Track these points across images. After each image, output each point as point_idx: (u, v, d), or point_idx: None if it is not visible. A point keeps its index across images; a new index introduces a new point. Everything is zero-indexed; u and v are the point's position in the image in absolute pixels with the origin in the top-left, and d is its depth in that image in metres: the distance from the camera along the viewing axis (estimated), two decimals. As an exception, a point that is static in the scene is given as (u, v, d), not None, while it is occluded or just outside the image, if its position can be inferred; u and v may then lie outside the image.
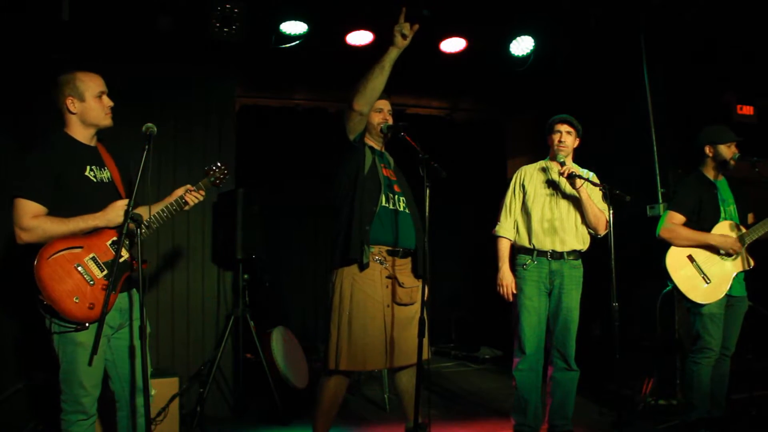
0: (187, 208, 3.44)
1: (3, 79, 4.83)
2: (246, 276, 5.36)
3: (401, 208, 3.79)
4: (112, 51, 5.17)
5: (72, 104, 3.18)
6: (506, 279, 4.35)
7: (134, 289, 3.31)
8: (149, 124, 3.09)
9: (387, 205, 3.72)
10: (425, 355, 3.46)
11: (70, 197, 3.09)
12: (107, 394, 3.30)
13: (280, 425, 5.03)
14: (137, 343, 3.10)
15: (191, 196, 3.42)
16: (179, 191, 3.43)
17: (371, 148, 3.85)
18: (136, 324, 3.22)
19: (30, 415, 4.42)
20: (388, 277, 3.68)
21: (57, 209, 3.06)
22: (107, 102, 3.24)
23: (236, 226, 5.27)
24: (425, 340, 3.37)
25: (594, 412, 5.15)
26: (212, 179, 3.60)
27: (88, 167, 3.18)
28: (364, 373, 6.45)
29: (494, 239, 4.47)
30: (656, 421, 4.88)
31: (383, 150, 3.98)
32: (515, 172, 4.59)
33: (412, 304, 3.73)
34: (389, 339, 3.63)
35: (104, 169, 3.26)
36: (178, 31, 5.19)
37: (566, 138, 4.38)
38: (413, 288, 3.75)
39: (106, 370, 3.24)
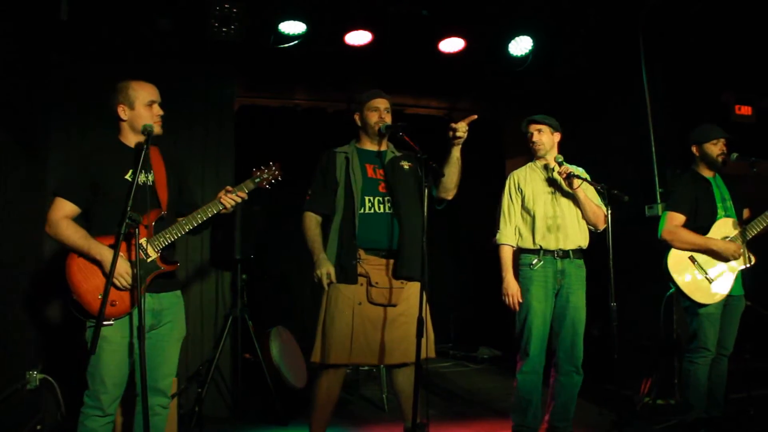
0: (225, 211, 3.42)
1: (1, 78, 4.83)
2: (244, 276, 5.36)
3: (383, 210, 3.80)
4: (111, 51, 5.17)
5: (123, 112, 3.30)
6: (511, 288, 4.30)
7: (174, 291, 3.39)
8: (147, 124, 3.21)
9: (363, 210, 3.77)
10: (430, 354, 3.52)
11: (107, 198, 3.20)
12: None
13: (278, 425, 5.04)
14: (135, 342, 3.11)
15: (227, 198, 3.39)
16: (220, 194, 3.42)
17: (348, 158, 3.89)
18: (170, 326, 3.33)
19: (29, 415, 4.41)
20: (360, 275, 3.73)
21: (97, 210, 3.23)
22: (157, 111, 3.34)
23: (235, 227, 5.28)
24: (424, 341, 3.38)
25: (593, 412, 5.16)
26: (257, 180, 3.49)
27: (130, 170, 3.26)
28: (362, 373, 6.46)
29: (496, 248, 4.44)
30: (655, 421, 4.88)
31: (380, 148, 3.98)
32: (508, 176, 4.57)
33: (392, 305, 3.75)
34: (365, 337, 3.68)
35: (149, 173, 3.33)
36: (177, 31, 5.19)
37: (538, 137, 4.42)
38: (391, 289, 3.75)
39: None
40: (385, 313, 3.73)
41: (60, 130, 5.08)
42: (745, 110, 6.36)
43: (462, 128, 3.67)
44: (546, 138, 4.41)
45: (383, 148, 3.99)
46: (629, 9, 5.60)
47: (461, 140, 3.71)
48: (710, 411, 4.40)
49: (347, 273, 3.71)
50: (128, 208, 2.99)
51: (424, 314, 3.38)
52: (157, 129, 3.32)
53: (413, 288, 3.78)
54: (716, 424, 4.40)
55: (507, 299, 4.31)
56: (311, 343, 3.79)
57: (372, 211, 3.78)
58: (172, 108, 5.36)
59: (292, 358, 5.63)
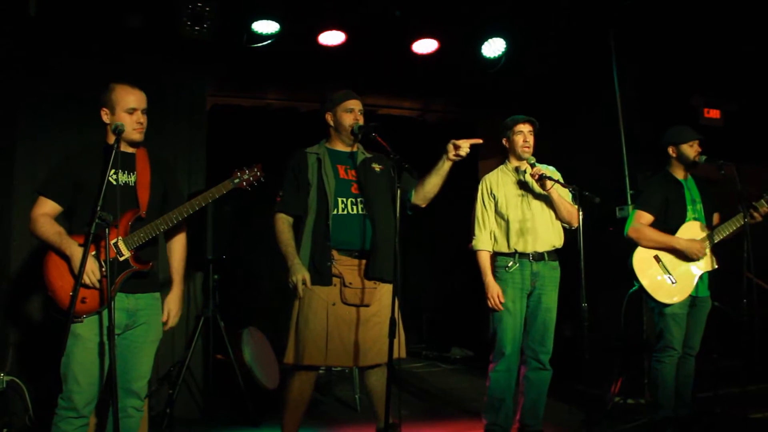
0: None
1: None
2: (216, 276, 5.33)
3: (356, 212, 3.80)
4: (80, 48, 5.10)
5: (105, 115, 3.30)
6: (493, 290, 4.31)
7: (156, 293, 3.41)
8: (118, 123, 3.19)
9: (336, 212, 3.76)
10: (401, 354, 3.52)
11: (87, 197, 3.20)
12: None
13: (250, 426, 5.01)
14: (106, 341, 3.08)
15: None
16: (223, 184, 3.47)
17: (320, 159, 3.87)
18: (145, 328, 3.31)
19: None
20: (334, 275, 3.72)
21: (77, 208, 3.27)
22: (138, 118, 3.30)
23: (207, 226, 5.24)
24: (397, 341, 3.39)
25: (563, 411, 5.20)
26: (236, 181, 3.46)
27: (112, 171, 3.23)
28: (335, 374, 6.45)
29: (473, 254, 4.46)
30: (624, 420, 4.94)
31: (354, 149, 3.97)
32: (481, 181, 4.58)
33: (365, 305, 3.75)
34: (341, 338, 3.67)
35: (132, 174, 3.34)
36: (148, 29, 5.14)
37: (530, 138, 4.42)
38: (365, 290, 3.75)
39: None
40: (358, 313, 3.73)
41: (28, 129, 4.99)
42: (714, 113, 6.47)
43: (466, 148, 3.67)
44: (533, 141, 4.43)
45: (354, 149, 3.98)
46: (601, 11, 5.66)
47: (461, 158, 3.72)
48: (678, 410, 4.46)
49: (322, 275, 3.69)
50: (98, 208, 2.97)
51: (396, 315, 3.38)
52: (137, 136, 3.31)
53: (386, 289, 3.79)
54: (684, 423, 4.46)
55: (490, 301, 4.32)
56: (284, 344, 3.78)
57: (345, 212, 3.78)
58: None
59: (264, 358, 5.61)
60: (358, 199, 3.82)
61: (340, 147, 3.96)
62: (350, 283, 3.72)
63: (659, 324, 4.45)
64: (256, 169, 3.51)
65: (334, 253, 3.72)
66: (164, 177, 3.48)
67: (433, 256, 8.96)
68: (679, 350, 4.40)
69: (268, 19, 5.31)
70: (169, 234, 3.55)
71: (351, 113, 3.87)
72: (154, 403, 4.98)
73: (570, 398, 5.30)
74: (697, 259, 4.41)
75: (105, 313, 3.12)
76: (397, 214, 3.44)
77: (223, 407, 5.36)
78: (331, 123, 3.94)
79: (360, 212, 3.80)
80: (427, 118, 7.75)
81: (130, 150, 3.36)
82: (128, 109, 3.27)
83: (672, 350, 4.38)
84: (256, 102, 6.94)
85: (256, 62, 5.94)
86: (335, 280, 3.71)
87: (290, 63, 6.03)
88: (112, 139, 3.28)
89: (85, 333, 3.10)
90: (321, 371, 4.20)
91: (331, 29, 5.56)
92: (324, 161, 3.85)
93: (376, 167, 3.94)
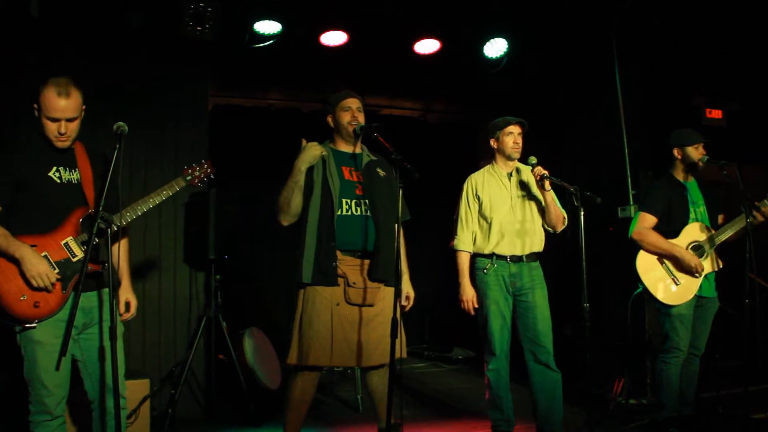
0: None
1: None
2: (218, 276, 5.33)
3: (359, 213, 3.80)
4: (83, 48, 5.10)
5: (36, 111, 3.15)
6: (467, 294, 4.37)
7: (105, 289, 3.28)
8: (120, 123, 3.09)
9: (340, 212, 3.75)
10: (402, 354, 3.52)
11: (31, 197, 3.12)
12: (81, 397, 3.28)
13: (252, 426, 5.01)
14: (107, 344, 3.06)
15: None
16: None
17: (324, 160, 3.84)
18: (107, 324, 3.20)
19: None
20: (338, 276, 3.71)
21: (19, 208, 3.11)
22: (60, 127, 3.13)
23: (209, 227, 5.24)
24: (398, 341, 3.39)
25: (566, 410, 5.19)
26: (188, 178, 3.51)
27: (54, 168, 3.18)
28: (337, 374, 6.45)
29: (453, 253, 4.47)
30: (627, 420, 4.94)
31: (355, 150, 3.97)
32: (466, 180, 4.57)
33: (369, 305, 3.75)
34: (345, 338, 3.67)
35: (74, 171, 3.25)
36: (151, 30, 5.15)
37: (519, 139, 4.41)
38: (368, 289, 3.75)
39: (79, 370, 3.24)
40: (361, 313, 3.73)
41: (30, 129, 4.99)
42: (716, 113, 6.46)
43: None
44: (522, 142, 4.44)
45: (358, 150, 3.98)
46: (603, 12, 5.66)
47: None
48: (681, 410, 4.46)
49: (327, 275, 3.68)
50: (99, 207, 2.95)
51: (398, 315, 3.38)
52: (59, 144, 3.17)
53: (388, 289, 3.79)
54: (686, 423, 4.46)
55: (463, 304, 4.39)
56: (285, 345, 3.77)
57: (349, 213, 3.78)
58: (144, 107, 5.38)
59: (266, 359, 5.61)
60: (362, 201, 3.82)
61: (344, 148, 3.96)
62: (354, 283, 3.72)
63: (665, 325, 4.43)
64: (206, 166, 3.54)
65: (338, 253, 3.72)
66: (101, 172, 3.31)
67: (435, 257, 8.94)
68: (685, 351, 4.39)
69: (269, 19, 5.33)
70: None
71: (348, 111, 3.87)
72: (156, 404, 4.99)
73: (572, 398, 5.29)
74: (692, 274, 4.39)
75: (61, 314, 3.08)
76: (399, 217, 3.44)
77: (225, 408, 5.37)
78: (332, 125, 3.95)
79: (363, 213, 3.80)
80: (428, 118, 7.74)
81: (66, 145, 3.24)
82: (50, 118, 3.11)
83: (678, 351, 4.37)
84: (258, 102, 6.94)
85: (258, 63, 5.95)
86: (339, 280, 3.71)
87: (292, 63, 6.04)
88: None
89: (44, 338, 3.04)
90: (323, 372, 4.20)
91: (332, 29, 5.57)
92: (329, 162, 3.84)
93: (381, 172, 3.95)
